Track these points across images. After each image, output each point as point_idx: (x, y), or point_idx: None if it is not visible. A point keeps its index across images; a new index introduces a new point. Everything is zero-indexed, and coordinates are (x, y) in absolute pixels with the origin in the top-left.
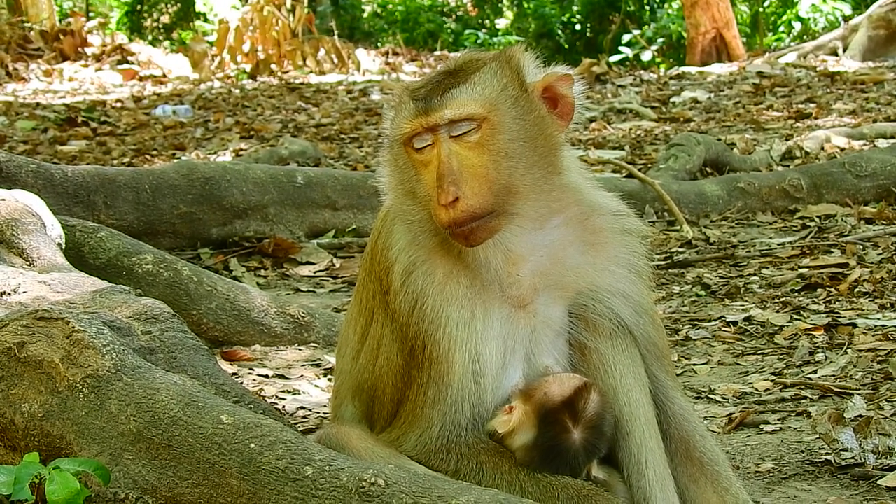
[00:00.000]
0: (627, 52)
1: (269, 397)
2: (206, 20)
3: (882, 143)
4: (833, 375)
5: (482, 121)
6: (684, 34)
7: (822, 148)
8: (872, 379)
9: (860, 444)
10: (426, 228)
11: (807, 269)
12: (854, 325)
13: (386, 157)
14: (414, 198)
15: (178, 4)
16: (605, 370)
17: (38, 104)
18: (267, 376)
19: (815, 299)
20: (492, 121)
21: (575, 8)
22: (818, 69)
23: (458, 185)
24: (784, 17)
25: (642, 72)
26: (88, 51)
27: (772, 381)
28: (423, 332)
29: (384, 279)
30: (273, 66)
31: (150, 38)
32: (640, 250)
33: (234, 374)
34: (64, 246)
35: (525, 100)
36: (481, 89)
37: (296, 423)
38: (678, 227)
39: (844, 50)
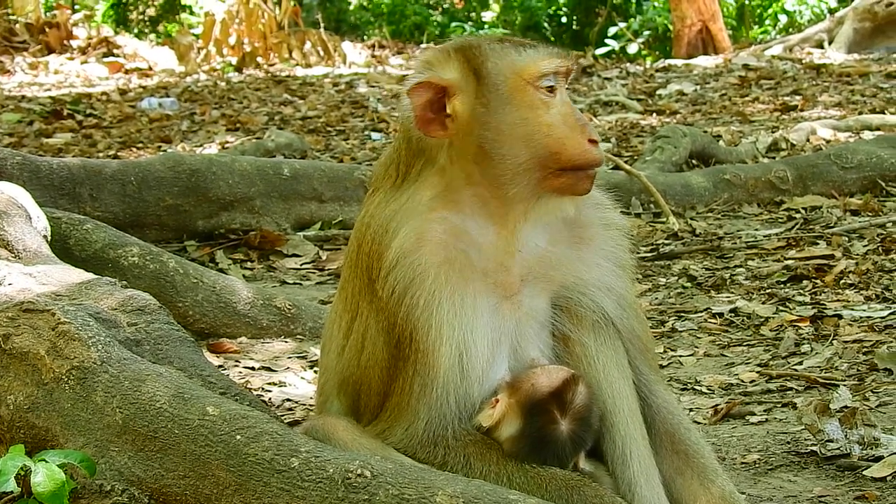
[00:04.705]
0: (613, 44)
1: (255, 389)
2: (191, 13)
3: (867, 134)
4: (819, 366)
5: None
6: (670, 27)
7: (808, 140)
8: (858, 370)
9: (846, 435)
10: (431, 211)
11: (792, 261)
12: (840, 317)
13: (471, 105)
14: (490, 156)
15: None
16: (589, 362)
17: (23, 97)
18: (253, 368)
19: (801, 291)
20: None
21: (561, 0)
22: (804, 61)
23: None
24: (770, 10)
25: (628, 64)
26: (74, 43)
27: (758, 372)
28: (412, 324)
29: (372, 267)
30: (259, 59)
31: (135, 30)
32: (624, 243)
33: (220, 366)
34: (49, 238)
35: None
36: None
37: (282, 415)
38: (664, 219)
39: (830, 42)
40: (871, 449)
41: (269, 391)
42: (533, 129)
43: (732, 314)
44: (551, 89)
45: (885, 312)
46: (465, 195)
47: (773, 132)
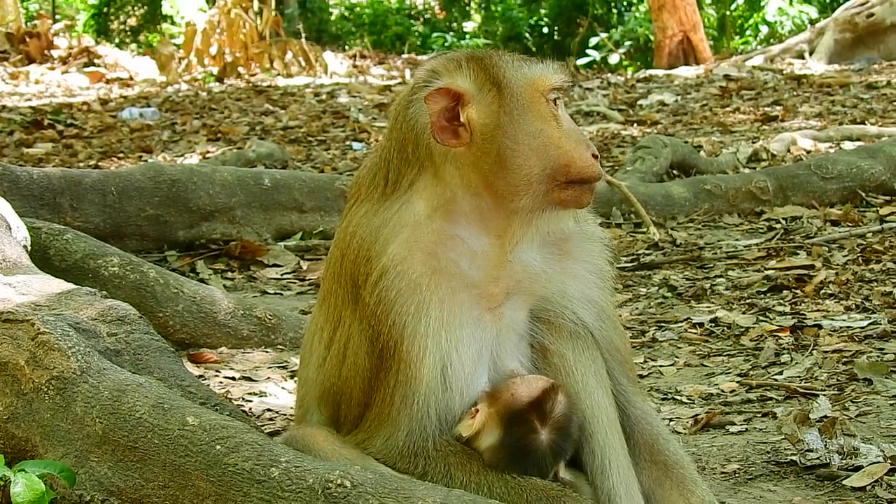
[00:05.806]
0: (595, 54)
1: (235, 399)
2: (173, 23)
3: (848, 145)
4: (798, 376)
5: None
6: (651, 37)
7: (789, 150)
8: (837, 380)
9: (825, 445)
10: (428, 220)
11: (773, 271)
12: (819, 327)
13: (485, 112)
14: (505, 165)
15: (145, 7)
16: (567, 373)
17: (3, 107)
18: (233, 378)
19: (781, 301)
20: None
21: (542, 11)
22: (785, 72)
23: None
24: (751, 21)
25: (609, 75)
26: (55, 53)
27: (738, 382)
28: (398, 333)
29: (358, 274)
30: (240, 69)
31: (116, 40)
32: (603, 255)
33: (200, 376)
34: (29, 248)
35: None
36: None
37: (262, 425)
38: (645, 229)
39: (811, 53)
40: (851, 458)
41: (250, 401)
42: (547, 140)
43: (713, 324)
44: (555, 103)
45: (865, 322)
46: (464, 205)
47: (753, 143)
